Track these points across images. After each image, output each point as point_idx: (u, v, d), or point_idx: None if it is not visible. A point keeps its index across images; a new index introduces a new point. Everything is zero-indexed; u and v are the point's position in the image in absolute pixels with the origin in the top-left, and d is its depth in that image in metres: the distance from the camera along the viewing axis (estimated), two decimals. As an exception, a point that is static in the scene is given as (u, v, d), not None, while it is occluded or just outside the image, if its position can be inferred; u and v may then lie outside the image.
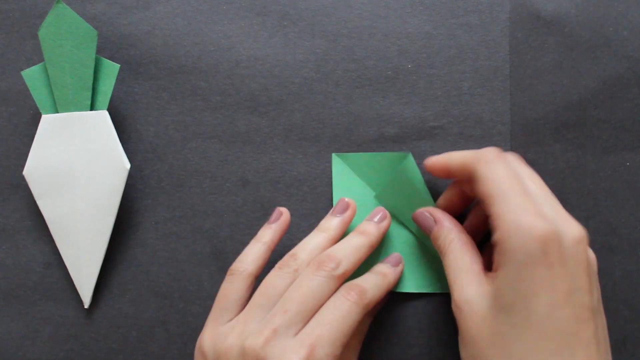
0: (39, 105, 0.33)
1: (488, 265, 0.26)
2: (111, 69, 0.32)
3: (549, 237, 0.23)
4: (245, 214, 0.33)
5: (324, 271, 0.27)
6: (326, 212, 0.31)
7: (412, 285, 0.32)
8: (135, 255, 0.34)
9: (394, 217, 0.32)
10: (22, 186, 0.34)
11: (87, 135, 0.32)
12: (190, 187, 0.34)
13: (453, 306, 0.26)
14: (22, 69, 0.34)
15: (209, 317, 0.28)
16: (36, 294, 0.34)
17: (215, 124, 0.34)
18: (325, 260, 0.27)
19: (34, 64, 0.34)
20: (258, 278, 0.29)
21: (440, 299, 0.32)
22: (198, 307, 0.33)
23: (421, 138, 0.33)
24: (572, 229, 0.24)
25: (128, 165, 0.32)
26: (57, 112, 0.32)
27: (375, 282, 0.28)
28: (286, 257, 0.29)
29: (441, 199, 0.31)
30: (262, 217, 0.33)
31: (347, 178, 0.33)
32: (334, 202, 0.32)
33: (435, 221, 0.29)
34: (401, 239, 0.32)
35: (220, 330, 0.27)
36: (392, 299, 0.32)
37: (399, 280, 0.31)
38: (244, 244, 0.33)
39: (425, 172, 0.32)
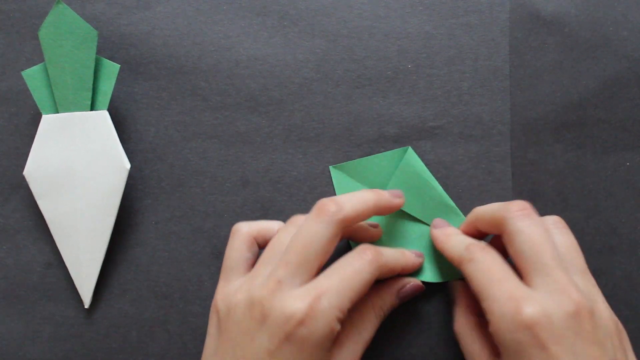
0: (39, 106, 0.33)
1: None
2: (111, 69, 0.32)
3: (536, 319, 0.23)
4: (245, 214, 0.33)
5: (325, 216, 0.26)
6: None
7: (429, 275, 0.31)
8: (135, 255, 0.34)
9: (406, 212, 0.32)
10: (23, 186, 0.34)
11: (88, 135, 0.32)
12: (190, 187, 0.34)
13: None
14: (22, 69, 0.34)
15: (220, 278, 0.29)
16: (36, 293, 0.34)
17: (215, 124, 0.34)
18: (327, 204, 0.26)
19: (34, 64, 0.34)
20: (262, 244, 0.29)
21: (440, 299, 0.32)
22: (198, 307, 0.33)
23: (421, 138, 0.33)
24: (566, 300, 0.23)
25: (128, 165, 0.32)
26: (58, 112, 0.32)
27: (393, 253, 0.28)
28: (293, 217, 0.29)
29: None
30: (262, 217, 0.33)
31: (349, 187, 0.32)
32: None
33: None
34: (414, 231, 0.32)
35: (229, 288, 0.27)
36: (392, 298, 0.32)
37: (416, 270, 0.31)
38: (244, 244, 0.33)
39: (428, 164, 0.32)
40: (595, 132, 0.32)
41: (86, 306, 0.33)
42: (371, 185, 0.33)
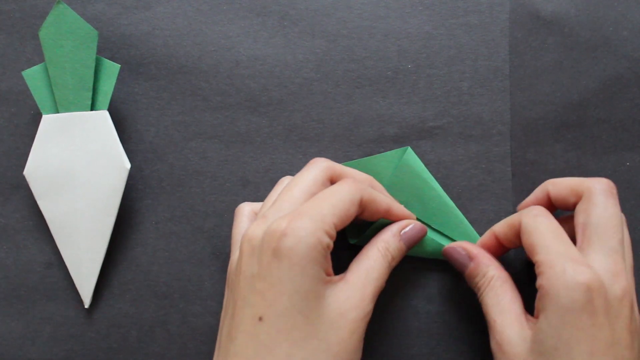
0: (39, 106, 0.33)
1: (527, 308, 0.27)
2: (112, 69, 0.32)
3: (594, 285, 0.23)
4: (246, 214, 0.33)
5: (312, 164, 0.28)
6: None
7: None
8: (135, 255, 0.34)
9: None
10: (23, 186, 0.34)
11: (88, 135, 0.32)
12: (190, 187, 0.34)
13: (493, 345, 0.26)
14: (22, 69, 0.34)
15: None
16: (36, 293, 0.34)
17: (215, 124, 0.34)
18: (316, 159, 0.28)
19: (34, 64, 0.34)
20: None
21: (441, 299, 0.32)
22: (198, 307, 0.33)
23: (421, 138, 0.33)
24: (618, 283, 0.24)
25: (128, 165, 0.32)
26: (58, 112, 0.32)
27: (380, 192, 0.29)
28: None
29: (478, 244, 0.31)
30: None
31: None
32: None
33: (471, 257, 0.29)
34: None
35: (234, 257, 0.28)
36: (393, 298, 0.32)
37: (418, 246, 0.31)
38: (244, 244, 0.33)
39: (428, 164, 0.32)
40: (595, 132, 0.32)
41: (86, 306, 0.33)
42: None
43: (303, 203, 0.26)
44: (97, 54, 0.32)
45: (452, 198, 0.32)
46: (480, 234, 0.32)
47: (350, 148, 0.33)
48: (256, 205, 0.31)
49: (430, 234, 0.32)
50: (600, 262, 0.25)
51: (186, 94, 0.34)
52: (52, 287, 0.34)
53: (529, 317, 0.26)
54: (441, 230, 0.32)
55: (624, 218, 0.28)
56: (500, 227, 0.29)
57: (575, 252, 0.25)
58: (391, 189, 0.32)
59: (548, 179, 0.32)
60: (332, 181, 0.28)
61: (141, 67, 0.34)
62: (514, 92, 0.33)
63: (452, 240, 0.32)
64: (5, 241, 0.34)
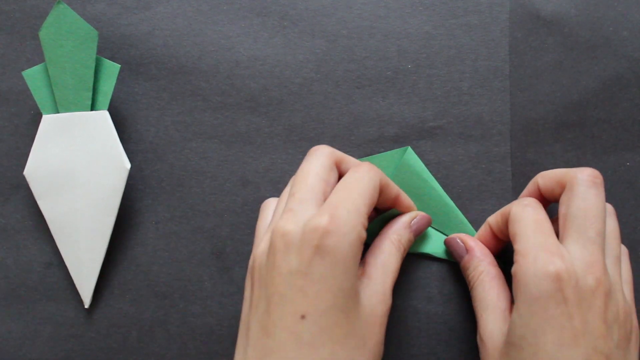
0: (39, 106, 0.33)
1: None
2: (112, 69, 0.32)
3: (564, 275, 0.23)
4: (245, 214, 0.33)
5: (316, 152, 0.27)
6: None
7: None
8: (135, 255, 0.34)
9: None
10: (23, 186, 0.34)
11: (88, 135, 0.32)
12: (190, 187, 0.34)
13: (478, 339, 0.27)
14: (22, 69, 0.34)
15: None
16: (37, 293, 0.34)
17: (215, 124, 0.34)
18: (316, 147, 0.28)
19: (34, 64, 0.34)
20: None
21: (441, 299, 0.32)
22: (198, 307, 0.33)
23: (421, 138, 0.33)
24: (592, 274, 0.24)
25: (128, 165, 0.32)
26: (58, 112, 0.32)
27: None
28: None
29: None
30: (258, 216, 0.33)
31: None
32: None
33: (467, 250, 0.30)
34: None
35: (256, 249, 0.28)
36: (393, 298, 0.32)
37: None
38: (244, 244, 0.33)
39: (428, 164, 0.32)
40: (595, 132, 0.32)
41: (86, 306, 0.33)
42: None
43: (320, 191, 0.26)
44: (97, 54, 0.32)
45: (452, 198, 0.32)
46: (480, 234, 0.32)
47: (350, 148, 0.33)
48: None
49: (431, 234, 0.32)
50: (576, 252, 0.25)
51: (186, 94, 0.34)
52: (52, 287, 0.34)
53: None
54: (441, 230, 0.32)
55: (610, 209, 0.28)
56: (494, 217, 0.29)
57: (553, 243, 0.25)
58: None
59: (548, 179, 0.32)
60: (337, 166, 0.28)
61: (141, 67, 0.34)
62: (514, 92, 0.33)
63: None
64: (5, 241, 0.34)
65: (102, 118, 0.32)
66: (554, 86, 0.33)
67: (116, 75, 0.32)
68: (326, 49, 0.34)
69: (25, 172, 0.32)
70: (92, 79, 0.32)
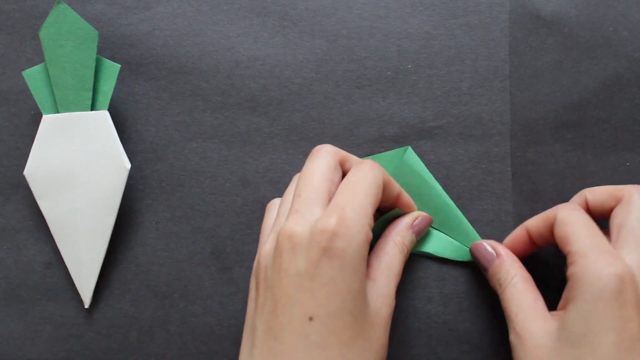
0: (39, 106, 0.33)
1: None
2: (112, 69, 0.32)
3: (626, 277, 0.23)
4: (245, 214, 0.33)
5: (320, 152, 0.27)
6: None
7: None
8: (135, 255, 0.34)
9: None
10: (23, 186, 0.34)
11: (88, 135, 0.32)
12: (190, 187, 0.34)
13: (513, 337, 0.26)
14: (23, 69, 0.34)
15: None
16: (36, 293, 0.34)
17: (215, 124, 0.34)
18: (319, 146, 0.28)
19: (34, 64, 0.34)
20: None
21: (441, 299, 0.32)
22: (198, 307, 0.33)
23: (421, 138, 0.33)
24: None
25: (128, 165, 0.32)
26: (58, 112, 0.32)
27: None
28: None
29: (505, 243, 0.31)
30: (262, 217, 0.33)
31: None
32: None
33: (497, 255, 0.29)
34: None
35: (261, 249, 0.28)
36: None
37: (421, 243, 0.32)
38: (244, 244, 0.33)
39: (428, 164, 0.32)
40: (595, 132, 0.32)
41: (86, 306, 0.33)
42: None
43: (325, 191, 0.26)
44: (97, 54, 0.32)
45: (452, 198, 0.32)
46: (480, 234, 0.32)
47: (350, 148, 0.33)
48: None
49: (431, 233, 0.32)
50: (633, 259, 0.25)
51: (186, 94, 0.34)
52: (52, 287, 0.34)
53: (554, 312, 0.26)
54: (441, 230, 0.32)
55: None
56: (534, 221, 0.29)
57: (609, 246, 0.25)
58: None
59: (548, 179, 0.32)
60: (341, 165, 0.28)
61: (141, 67, 0.34)
62: (514, 92, 0.33)
63: (452, 239, 0.32)
64: (5, 241, 0.34)
65: (102, 118, 0.32)
66: (554, 86, 0.33)
67: (116, 75, 0.32)
68: (326, 49, 0.34)
69: (25, 172, 0.32)
70: (92, 79, 0.32)
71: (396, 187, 0.29)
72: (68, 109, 0.32)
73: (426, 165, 0.32)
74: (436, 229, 0.32)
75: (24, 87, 0.34)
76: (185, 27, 0.34)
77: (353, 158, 0.28)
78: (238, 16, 0.34)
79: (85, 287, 0.33)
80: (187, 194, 0.34)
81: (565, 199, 0.32)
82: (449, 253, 0.32)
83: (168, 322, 0.33)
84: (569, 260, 0.25)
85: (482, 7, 0.33)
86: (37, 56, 0.35)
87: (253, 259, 0.33)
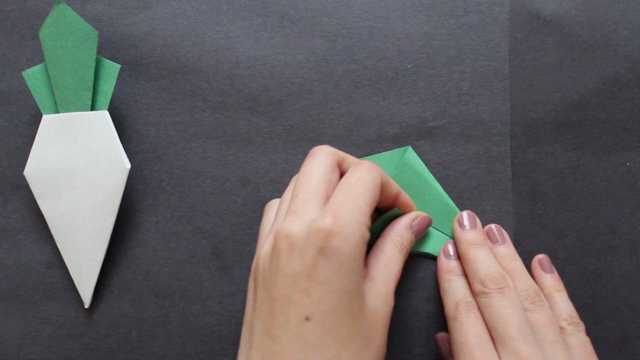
0: (39, 106, 0.33)
1: None
2: (112, 69, 0.32)
3: None
4: (245, 214, 0.33)
5: (317, 152, 0.27)
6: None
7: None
8: (135, 255, 0.34)
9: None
10: (23, 186, 0.34)
11: (88, 136, 0.32)
12: (190, 187, 0.34)
13: None
14: (23, 69, 0.34)
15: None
16: (37, 293, 0.34)
17: (215, 124, 0.34)
18: (317, 147, 0.28)
19: (34, 64, 0.34)
20: None
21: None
22: (198, 307, 0.33)
23: (421, 138, 0.33)
24: None
25: (128, 165, 0.32)
26: (58, 112, 0.32)
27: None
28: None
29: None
30: (262, 217, 0.33)
31: None
32: None
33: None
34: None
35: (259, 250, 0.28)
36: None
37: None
38: (244, 244, 0.33)
39: (428, 164, 0.33)
40: (595, 132, 0.32)
41: (86, 306, 0.33)
42: None
43: (323, 192, 0.26)
44: (97, 54, 0.32)
45: (452, 198, 0.32)
46: (480, 234, 0.32)
47: (350, 148, 0.33)
48: None
49: (431, 233, 0.32)
50: (505, 356, 0.26)
51: (186, 94, 0.34)
52: (52, 287, 0.34)
53: None
54: (441, 230, 0.32)
55: (525, 306, 0.28)
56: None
57: (480, 356, 0.26)
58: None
59: (548, 179, 0.32)
60: (339, 165, 0.28)
61: (141, 67, 0.34)
62: (514, 92, 0.33)
63: (452, 239, 0.32)
64: (5, 241, 0.34)
65: (102, 118, 0.32)
66: (554, 86, 0.33)
67: (116, 75, 0.32)
68: (326, 49, 0.34)
69: (25, 172, 0.32)
70: (92, 79, 0.32)
71: (395, 187, 0.29)
72: (68, 109, 0.32)
73: (426, 165, 0.32)
74: (436, 229, 0.32)
75: (24, 87, 0.34)
76: (185, 27, 0.34)
77: (351, 159, 0.28)
78: (238, 16, 0.34)
79: (85, 287, 0.33)
80: (187, 194, 0.34)
81: (565, 199, 0.32)
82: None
83: (168, 322, 0.33)
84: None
85: (482, 7, 0.33)
86: (37, 56, 0.35)
87: (253, 259, 0.33)
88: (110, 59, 0.34)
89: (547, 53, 0.33)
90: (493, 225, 0.31)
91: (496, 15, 0.33)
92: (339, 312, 0.23)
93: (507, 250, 0.30)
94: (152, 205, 0.34)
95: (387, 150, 0.33)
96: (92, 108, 0.32)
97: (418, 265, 0.32)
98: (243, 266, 0.33)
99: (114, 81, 0.32)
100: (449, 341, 0.30)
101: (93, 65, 0.32)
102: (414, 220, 0.30)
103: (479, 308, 0.28)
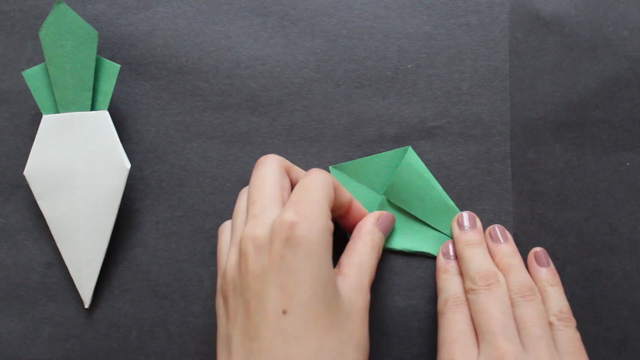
0: (39, 106, 0.33)
1: None
2: (112, 69, 0.32)
3: None
4: (246, 214, 0.33)
5: (265, 160, 0.28)
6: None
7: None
8: (135, 255, 0.34)
9: (407, 212, 0.32)
10: (23, 186, 0.34)
11: (88, 136, 0.32)
12: (190, 187, 0.34)
13: None
14: (23, 69, 0.34)
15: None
16: (37, 293, 0.34)
17: (215, 124, 0.34)
18: (263, 157, 0.29)
19: (34, 64, 0.34)
20: None
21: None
22: (198, 307, 0.33)
23: (421, 138, 0.33)
24: None
25: (128, 165, 0.32)
26: (58, 112, 0.32)
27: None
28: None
29: None
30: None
31: (349, 187, 0.32)
32: None
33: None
34: (413, 230, 0.32)
35: (222, 267, 0.28)
36: (393, 298, 0.32)
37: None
38: (244, 243, 0.33)
39: (428, 164, 0.33)
40: (595, 132, 0.32)
41: (86, 306, 0.33)
42: (371, 185, 0.33)
43: (279, 196, 0.26)
44: (97, 54, 0.32)
45: (452, 198, 0.32)
46: (480, 234, 0.32)
47: (350, 148, 0.33)
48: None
49: (431, 234, 0.32)
50: (484, 351, 0.27)
51: (186, 94, 0.34)
52: (52, 287, 0.34)
53: None
54: (441, 230, 0.32)
55: (513, 300, 0.28)
56: None
57: (459, 352, 0.27)
58: (393, 188, 0.32)
59: (548, 179, 0.32)
60: (287, 173, 0.28)
61: (141, 67, 0.34)
62: (514, 92, 0.33)
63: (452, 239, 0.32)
64: (5, 241, 0.34)
65: (102, 118, 0.32)
66: (554, 86, 0.33)
67: (116, 75, 0.32)
68: (326, 49, 0.34)
69: (25, 172, 0.32)
70: (92, 79, 0.32)
71: (347, 194, 0.29)
72: (68, 109, 0.32)
73: (426, 165, 0.32)
74: (436, 229, 0.32)
75: (24, 87, 0.34)
76: (185, 27, 0.34)
77: (299, 170, 0.29)
78: (238, 16, 0.34)
79: (85, 287, 0.33)
80: (187, 194, 0.34)
81: (565, 199, 0.32)
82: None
83: (168, 322, 0.33)
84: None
85: (482, 7, 0.33)
86: (37, 56, 0.35)
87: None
88: (110, 59, 0.34)
89: (547, 53, 0.33)
90: (496, 226, 0.31)
91: (496, 15, 0.33)
92: (314, 301, 0.23)
93: (508, 248, 0.30)
94: (152, 205, 0.34)
95: (387, 150, 0.33)
96: (92, 108, 0.32)
97: (418, 265, 0.32)
98: (243, 266, 0.33)
99: (114, 81, 0.32)
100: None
101: (93, 65, 0.32)
102: (378, 219, 0.30)
103: (469, 306, 0.28)
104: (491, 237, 0.31)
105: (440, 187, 0.32)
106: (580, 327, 0.29)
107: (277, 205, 0.26)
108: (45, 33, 0.32)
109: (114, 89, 0.33)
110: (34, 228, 0.34)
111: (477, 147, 0.33)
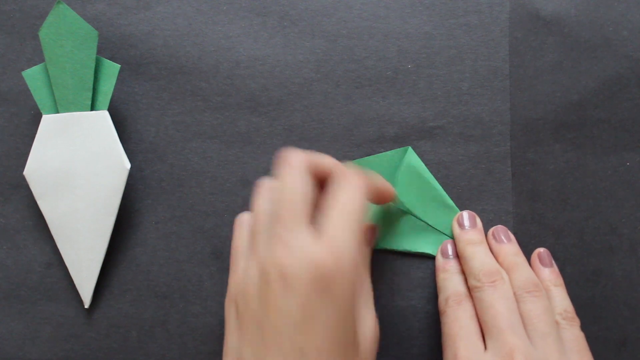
0: (39, 106, 0.33)
1: None
2: (112, 69, 0.32)
3: None
4: (246, 214, 0.33)
5: (292, 167, 0.25)
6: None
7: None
8: (135, 255, 0.34)
9: (407, 212, 0.32)
10: (23, 186, 0.34)
11: (88, 136, 0.32)
12: (190, 187, 0.34)
13: None
14: (22, 69, 0.34)
15: (230, 270, 0.28)
16: (36, 293, 0.34)
17: (215, 124, 0.34)
18: (289, 155, 0.26)
19: (34, 64, 0.34)
20: None
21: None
22: (198, 307, 0.33)
23: (421, 138, 0.33)
24: None
25: (128, 165, 0.32)
26: (58, 112, 0.32)
27: (373, 175, 0.28)
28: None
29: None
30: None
31: None
32: None
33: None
34: (414, 230, 0.32)
35: (238, 273, 0.27)
36: (393, 298, 0.32)
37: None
38: (244, 244, 0.33)
39: (428, 164, 0.33)
40: (595, 132, 0.32)
41: (86, 306, 0.33)
42: None
43: (307, 213, 0.24)
44: (97, 54, 0.32)
45: (452, 198, 0.32)
46: (480, 234, 0.32)
47: (350, 148, 0.33)
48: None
49: (431, 234, 0.32)
50: (492, 348, 0.27)
51: (186, 94, 0.34)
52: (52, 287, 0.34)
53: None
54: (441, 230, 0.32)
55: (519, 296, 0.28)
56: None
57: (464, 349, 0.27)
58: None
59: (548, 179, 0.32)
60: (315, 173, 0.26)
61: (141, 67, 0.34)
62: (514, 92, 0.33)
63: (452, 239, 0.32)
64: (5, 241, 0.34)
65: (102, 118, 0.32)
66: (554, 86, 0.33)
67: (116, 75, 0.32)
68: (326, 49, 0.34)
69: (25, 172, 0.32)
70: (92, 79, 0.32)
71: (378, 185, 0.28)
72: (68, 109, 0.32)
73: (426, 165, 0.32)
74: (436, 229, 0.32)
75: (24, 87, 0.34)
76: (185, 27, 0.34)
77: (327, 162, 0.26)
78: (238, 16, 0.34)
79: (85, 287, 0.33)
80: (187, 194, 0.34)
81: (565, 199, 0.32)
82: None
83: (168, 322, 0.33)
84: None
85: (482, 7, 0.33)
86: (37, 56, 0.35)
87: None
88: (110, 59, 0.34)
89: (547, 53, 0.33)
90: (499, 227, 0.31)
91: (496, 15, 0.33)
92: (333, 348, 0.23)
93: (511, 247, 0.30)
94: (152, 205, 0.34)
95: (387, 150, 0.33)
96: (92, 108, 0.32)
97: (418, 265, 0.32)
98: (243, 266, 0.33)
99: (114, 81, 0.32)
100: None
101: (93, 65, 0.32)
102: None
103: (474, 304, 0.28)
104: (494, 237, 0.31)
105: (440, 187, 0.32)
106: (580, 327, 0.29)
107: (305, 224, 0.24)
108: (45, 33, 0.32)
109: (114, 89, 0.33)
110: (34, 228, 0.34)
111: (477, 147, 0.33)
